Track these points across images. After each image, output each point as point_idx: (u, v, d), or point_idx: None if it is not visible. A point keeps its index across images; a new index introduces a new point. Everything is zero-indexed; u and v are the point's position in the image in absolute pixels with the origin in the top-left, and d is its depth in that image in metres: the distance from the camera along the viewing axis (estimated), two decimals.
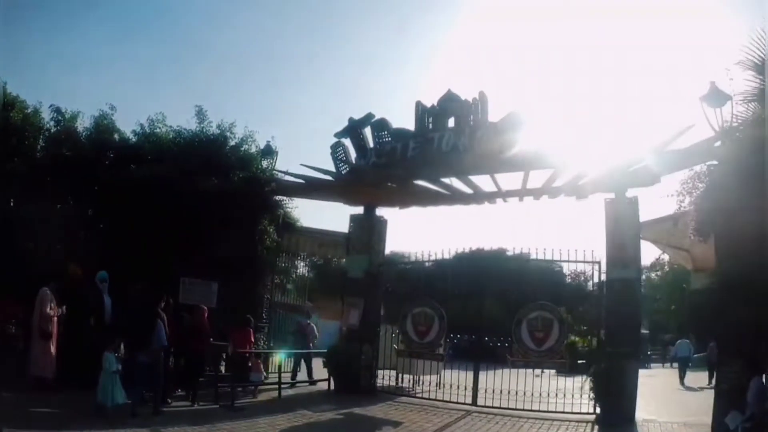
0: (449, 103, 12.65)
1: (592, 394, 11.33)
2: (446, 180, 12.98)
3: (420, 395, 13.74)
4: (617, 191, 12.02)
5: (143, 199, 12.49)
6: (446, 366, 14.31)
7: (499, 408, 12.31)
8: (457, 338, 14.06)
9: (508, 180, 12.66)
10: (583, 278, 28.97)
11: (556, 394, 12.07)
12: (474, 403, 12.73)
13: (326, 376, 14.09)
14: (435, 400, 13.18)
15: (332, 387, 13.91)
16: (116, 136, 14.73)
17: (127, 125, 16.01)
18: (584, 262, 12.65)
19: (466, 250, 14.57)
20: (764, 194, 8.42)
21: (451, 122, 12.70)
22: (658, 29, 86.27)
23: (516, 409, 12.14)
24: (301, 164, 14.15)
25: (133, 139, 14.70)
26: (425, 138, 12.79)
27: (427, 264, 14.59)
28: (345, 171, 13.73)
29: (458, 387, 13.06)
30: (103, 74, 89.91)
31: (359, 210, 14.74)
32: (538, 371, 13.23)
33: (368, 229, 14.41)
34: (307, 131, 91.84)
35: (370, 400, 12.95)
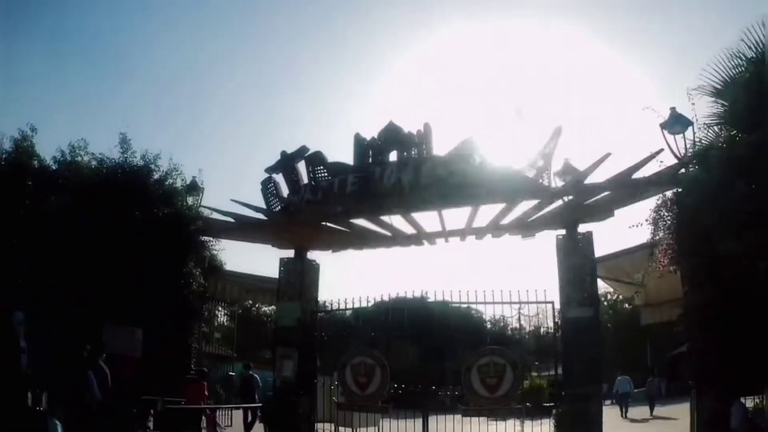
0: (391, 135, 11.76)
1: None
2: (386, 218, 11.98)
3: None
4: (568, 227, 11.48)
5: (63, 232, 11.51)
6: (390, 416, 13.09)
7: None
8: (402, 389, 12.89)
9: (456, 217, 11.85)
10: (503, 323, 28.36)
11: None
12: None
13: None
14: None
15: None
16: (35, 162, 13.50)
17: (48, 149, 14.98)
18: (537, 302, 11.96)
19: (385, 298, 13.72)
20: (738, 217, 8.26)
21: (392, 156, 11.80)
22: (615, 53, 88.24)
23: None
24: (232, 200, 12.81)
25: (54, 167, 13.51)
26: (366, 172, 11.81)
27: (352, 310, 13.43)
28: (277, 209, 12.49)
29: None
30: (26, 92, 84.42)
31: (290, 254, 13.52)
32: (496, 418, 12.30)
33: (300, 274, 13.17)
34: (237, 166, 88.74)
35: None
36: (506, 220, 11.79)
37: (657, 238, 10.38)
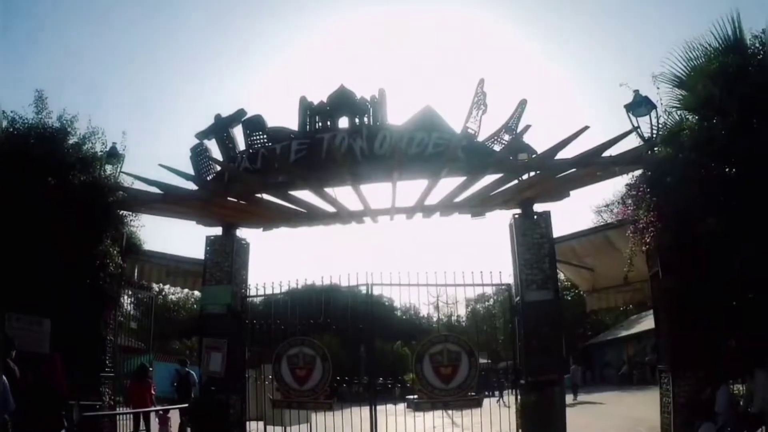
0: (342, 99, 10.76)
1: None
2: (330, 191, 10.80)
3: None
4: (524, 206, 10.95)
5: None
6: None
7: None
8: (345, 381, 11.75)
9: (403, 193, 10.89)
10: (413, 311, 27.87)
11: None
12: None
13: None
14: None
15: None
16: None
17: None
18: (492, 285, 11.30)
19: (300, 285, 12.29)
20: (716, 198, 7.98)
21: (342, 122, 10.73)
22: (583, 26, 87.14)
23: None
24: (161, 165, 10.97)
25: None
26: (312, 139, 10.66)
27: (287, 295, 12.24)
28: (209, 178, 11.02)
29: None
30: None
31: (217, 231, 12.05)
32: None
33: (228, 254, 11.77)
34: (163, 133, 79.92)
35: None
36: (461, 197, 10.95)
37: (626, 217, 10.06)
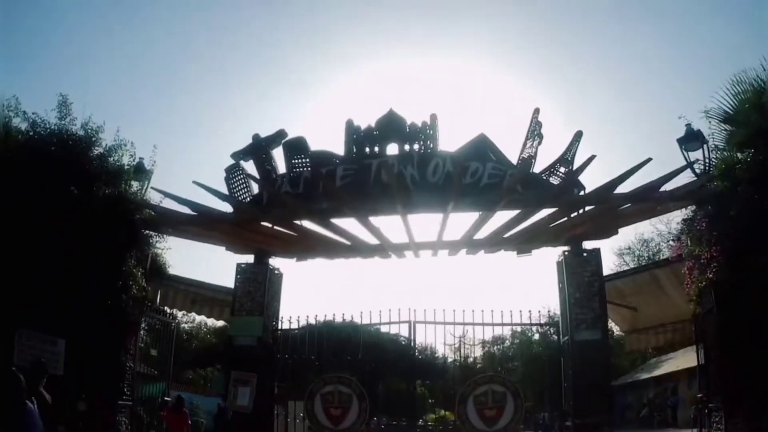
0: (391, 124, 10.34)
1: None
2: (373, 220, 10.28)
3: None
4: (572, 242, 10.59)
5: None
6: None
7: None
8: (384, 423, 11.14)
9: (456, 224, 10.41)
10: (429, 351, 27.32)
11: None
12: None
13: None
14: None
15: None
16: None
17: None
18: (540, 324, 10.84)
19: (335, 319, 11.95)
20: None
21: (391, 149, 10.30)
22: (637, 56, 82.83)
23: None
24: (195, 182, 10.21)
25: None
26: (360, 165, 10.20)
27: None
28: (246, 201, 10.44)
29: None
30: None
31: (248, 259, 11.43)
32: None
33: (261, 284, 11.12)
34: (196, 151, 76.09)
35: None
36: (510, 233, 10.52)
37: (681, 253, 9.89)
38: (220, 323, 39.57)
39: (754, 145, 8.62)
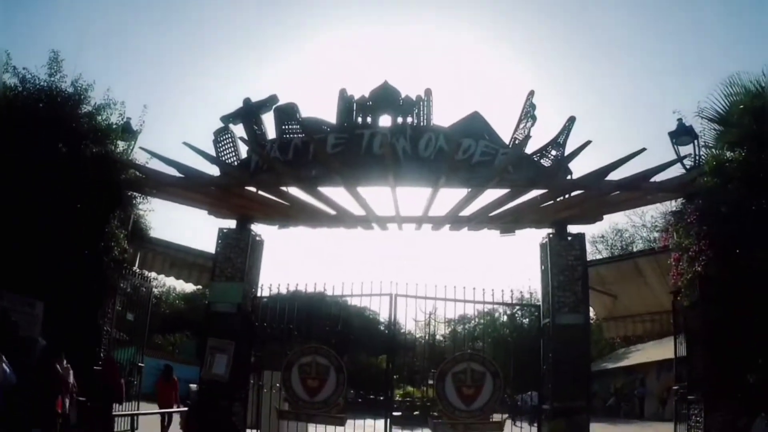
0: (386, 96, 10.26)
1: None
2: (361, 190, 10.19)
3: None
4: (557, 226, 10.67)
5: None
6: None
7: None
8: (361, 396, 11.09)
9: (442, 200, 10.41)
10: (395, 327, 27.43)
11: None
12: None
13: None
14: None
15: None
16: None
17: None
18: (522, 305, 10.89)
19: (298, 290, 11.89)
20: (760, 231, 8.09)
21: (384, 120, 10.23)
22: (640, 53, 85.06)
23: None
24: (185, 143, 9.97)
25: None
26: (351, 134, 10.10)
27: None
28: (235, 164, 10.31)
29: None
30: None
31: (230, 224, 11.26)
32: None
33: (243, 250, 10.96)
34: (185, 114, 75.98)
35: None
36: (497, 212, 10.55)
37: (671, 244, 9.95)
38: (190, 288, 38.95)
39: (746, 146, 8.79)
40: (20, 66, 9.83)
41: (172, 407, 12.59)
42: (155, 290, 15.48)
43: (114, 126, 10.19)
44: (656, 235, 34.07)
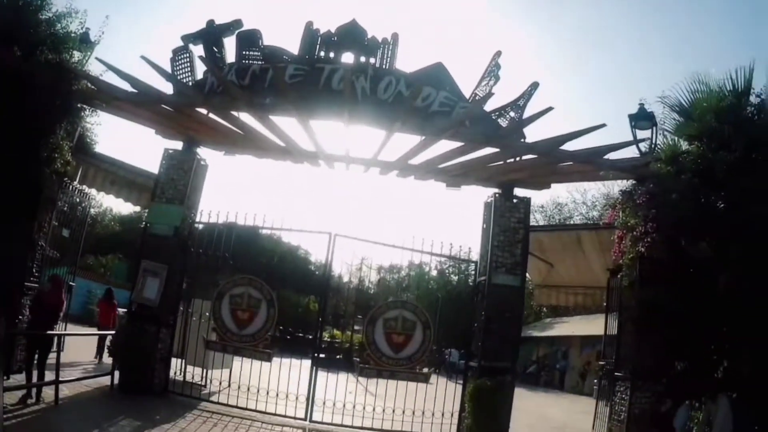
0: (351, 34, 10.12)
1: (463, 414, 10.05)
2: (313, 124, 10.10)
3: (228, 402, 10.18)
4: (505, 187, 10.82)
5: None
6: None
7: (340, 426, 9.98)
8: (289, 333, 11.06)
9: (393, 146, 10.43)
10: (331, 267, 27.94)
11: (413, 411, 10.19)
12: (308, 418, 10.10)
13: None
14: (248, 410, 10.03)
15: (116, 383, 10.02)
16: None
17: None
18: (460, 260, 11.05)
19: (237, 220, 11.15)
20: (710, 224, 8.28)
21: (346, 59, 10.08)
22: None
23: (360, 428, 9.98)
24: (142, 57, 9.60)
25: None
26: (312, 67, 9.94)
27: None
28: (189, 84, 10.01)
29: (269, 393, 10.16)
30: None
31: (176, 146, 11.03)
32: None
33: (187, 172, 10.75)
34: (144, 28, 72.57)
35: (169, 409, 9.48)
36: (446, 164, 10.64)
37: (613, 222, 10.25)
38: (126, 210, 37.94)
39: (705, 141, 8.98)
40: None
41: (112, 329, 12.40)
42: (92, 210, 14.96)
43: (72, 35, 9.70)
44: (595, 214, 35.33)
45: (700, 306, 8.30)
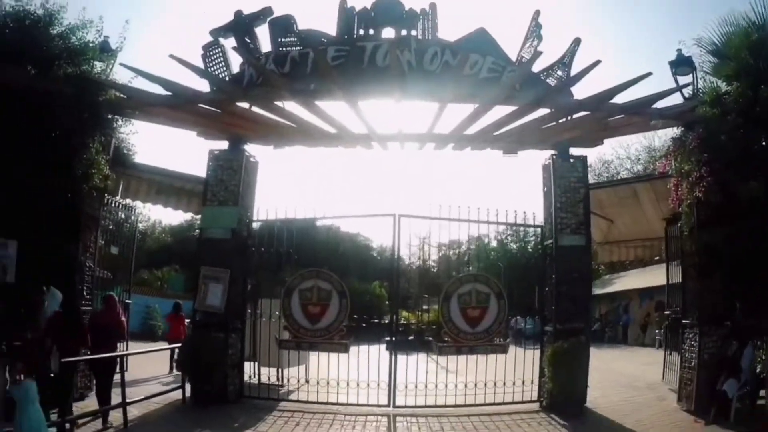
0: (389, 8, 9.76)
1: (543, 378, 10.08)
2: (363, 105, 9.86)
3: (308, 399, 10.02)
4: (560, 148, 10.64)
5: None
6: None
7: (424, 407, 9.83)
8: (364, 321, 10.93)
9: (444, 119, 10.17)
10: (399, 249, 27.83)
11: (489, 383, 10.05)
12: (392, 403, 9.95)
13: None
14: (329, 403, 9.86)
15: (188, 396, 9.86)
16: None
17: None
18: (526, 226, 10.93)
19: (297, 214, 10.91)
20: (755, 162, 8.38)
21: (386, 33, 9.81)
22: None
23: (444, 406, 9.86)
24: (171, 55, 9.13)
25: None
26: (353, 47, 9.64)
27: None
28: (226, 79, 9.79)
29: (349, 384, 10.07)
30: None
31: (221, 146, 10.76)
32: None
33: (237, 172, 10.50)
34: (168, 27, 70.58)
35: (247, 414, 9.31)
36: (501, 131, 10.38)
37: (670, 171, 10.05)
38: (176, 221, 37.93)
39: (743, 80, 8.86)
40: None
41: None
42: (140, 225, 14.79)
43: (91, 44, 9.42)
44: (639, 167, 35.77)
45: (758, 247, 8.34)
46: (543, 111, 9.97)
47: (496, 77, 9.50)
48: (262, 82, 9.65)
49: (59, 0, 9.38)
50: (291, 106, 9.95)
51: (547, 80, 9.81)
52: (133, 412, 8.83)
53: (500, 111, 9.98)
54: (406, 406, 9.85)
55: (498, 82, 9.43)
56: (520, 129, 10.27)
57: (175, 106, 9.82)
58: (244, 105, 10.04)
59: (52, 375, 7.35)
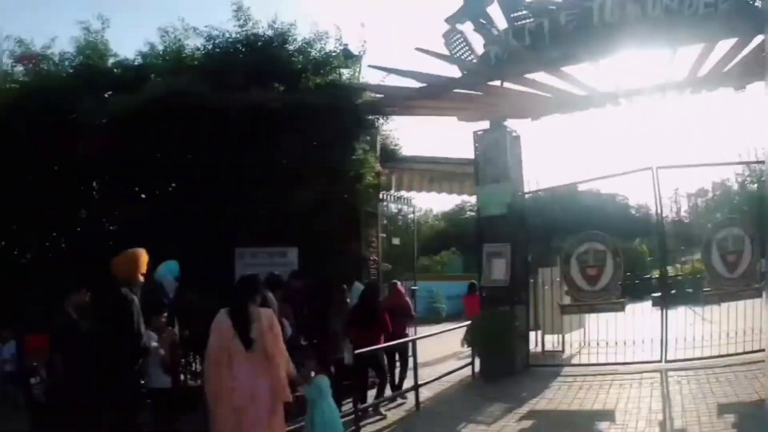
0: None
1: None
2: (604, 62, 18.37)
3: (589, 362, 19.36)
4: None
5: (160, 133, 17.22)
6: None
7: (693, 359, 17.88)
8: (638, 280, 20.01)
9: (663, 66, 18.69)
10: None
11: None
12: (663, 359, 18.51)
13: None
14: (607, 364, 18.96)
15: (476, 372, 19.65)
16: (111, 60, 19.55)
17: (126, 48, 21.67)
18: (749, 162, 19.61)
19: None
20: None
21: None
22: None
23: (709, 357, 17.76)
24: (417, 48, 17.96)
25: (138, 61, 19.29)
26: (580, 8, 18.38)
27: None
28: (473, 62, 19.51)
29: (617, 342, 19.17)
30: None
31: (483, 126, 20.56)
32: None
33: (503, 149, 20.30)
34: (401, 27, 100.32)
35: (533, 383, 17.88)
36: (728, 67, 18.08)
37: None
38: (449, 207, 66.71)
39: None
40: (200, 25, 17.63)
41: None
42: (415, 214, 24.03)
43: (333, 53, 17.72)
44: None
45: None
46: (761, 37, 15.37)
47: (712, 12, 16.35)
48: (508, 58, 18.74)
49: (285, 17, 18.65)
50: (539, 76, 18.93)
51: (757, 3, 16.14)
52: (425, 393, 16.91)
53: (723, 47, 17.14)
54: (676, 359, 17.91)
55: (715, 17, 16.22)
56: (744, 61, 17.37)
57: (432, 95, 19.27)
58: (496, 83, 19.19)
59: (346, 367, 14.39)
